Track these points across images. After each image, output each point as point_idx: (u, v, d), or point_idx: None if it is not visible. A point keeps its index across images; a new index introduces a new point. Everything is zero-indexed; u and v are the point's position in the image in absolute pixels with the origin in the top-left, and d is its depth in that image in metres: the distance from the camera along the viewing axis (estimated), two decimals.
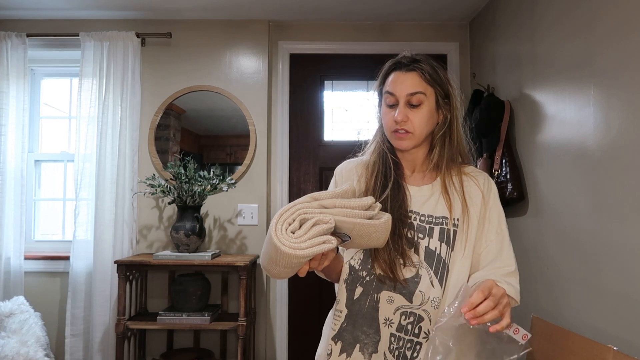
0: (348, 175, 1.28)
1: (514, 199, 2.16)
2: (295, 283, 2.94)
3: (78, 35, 2.79)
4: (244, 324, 2.42)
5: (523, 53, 2.22)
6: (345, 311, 1.18)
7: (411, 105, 1.17)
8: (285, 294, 2.92)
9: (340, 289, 1.20)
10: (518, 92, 2.25)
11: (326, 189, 1.26)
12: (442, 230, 1.16)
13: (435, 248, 1.15)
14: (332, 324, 1.20)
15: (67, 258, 2.76)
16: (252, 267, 2.74)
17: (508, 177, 2.19)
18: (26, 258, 2.79)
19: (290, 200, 2.98)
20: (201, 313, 2.48)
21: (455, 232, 1.16)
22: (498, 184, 2.20)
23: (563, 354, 1.52)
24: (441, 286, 1.13)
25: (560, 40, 1.88)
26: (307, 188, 3.01)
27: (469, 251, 1.16)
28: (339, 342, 1.18)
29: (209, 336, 2.82)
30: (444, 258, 1.14)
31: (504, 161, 2.23)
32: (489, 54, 2.65)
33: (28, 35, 2.81)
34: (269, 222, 2.89)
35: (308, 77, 3.05)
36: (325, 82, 3.08)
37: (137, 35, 2.81)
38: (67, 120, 3.11)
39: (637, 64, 1.43)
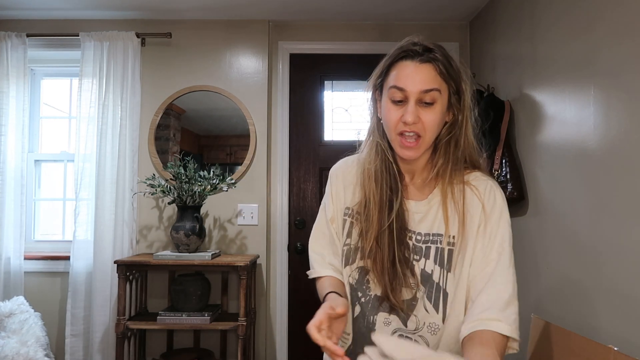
0: (348, 180, 1.18)
1: (514, 199, 2.16)
2: (295, 283, 2.93)
3: (78, 35, 2.79)
4: (244, 324, 2.42)
5: (523, 53, 2.22)
6: (352, 334, 1.12)
7: (423, 104, 1.01)
8: (285, 294, 2.92)
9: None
10: (518, 92, 2.25)
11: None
12: (437, 250, 1.06)
13: (432, 271, 1.05)
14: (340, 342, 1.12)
15: (67, 258, 2.76)
16: (252, 267, 2.74)
17: (508, 177, 2.19)
18: (26, 258, 2.79)
19: (290, 201, 2.98)
20: (201, 313, 2.48)
21: (450, 251, 1.05)
22: (498, 184, 2.20)
23: (563, 354, 1.51)
24: (437, 312, 1.04)
25: (561, 40, 1.88)
26: (307, 188, 3.01)
27: (465, 272, 1.04)
28: None
29: (209, 336, 2.82)
30: (437, 281, 1.05)
31: (504, 161, 2.23)
32: (489, 54, 2.65)
33: (28, 35, 2.81)
34: (269, 222, 2.91)
35: (308, 77, 3.05)
36: (325, 82, 3.07)
37: (137, 35, 2.81)
38: (67, 120, 3.11)
39: (638, 64, 1.43)
